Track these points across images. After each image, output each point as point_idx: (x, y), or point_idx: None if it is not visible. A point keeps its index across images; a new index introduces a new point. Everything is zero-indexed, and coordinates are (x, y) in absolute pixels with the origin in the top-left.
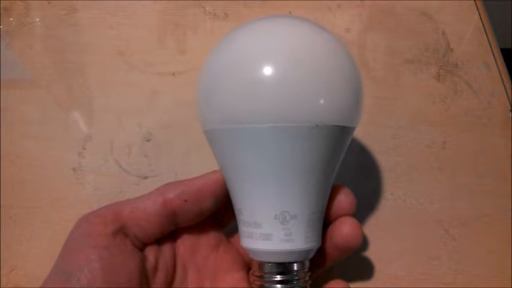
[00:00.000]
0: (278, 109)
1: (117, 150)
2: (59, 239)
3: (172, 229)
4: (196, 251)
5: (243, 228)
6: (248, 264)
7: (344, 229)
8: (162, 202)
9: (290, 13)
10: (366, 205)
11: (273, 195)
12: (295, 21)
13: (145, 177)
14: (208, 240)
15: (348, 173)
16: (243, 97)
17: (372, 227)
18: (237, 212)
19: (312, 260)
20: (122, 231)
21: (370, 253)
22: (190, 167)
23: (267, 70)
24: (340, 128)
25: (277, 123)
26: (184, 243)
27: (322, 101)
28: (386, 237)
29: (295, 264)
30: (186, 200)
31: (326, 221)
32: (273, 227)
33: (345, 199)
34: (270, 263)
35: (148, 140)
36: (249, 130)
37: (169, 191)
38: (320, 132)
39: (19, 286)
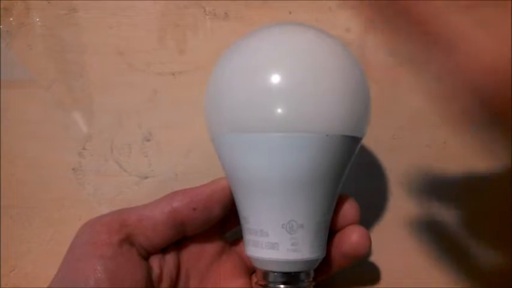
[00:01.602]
0: (289, 118)
1: (117, 150)
2: (59, 239)
3: (179, 238)
4: (200, 258)
5: (248, 237)
6: (250, 270)
7: (353, 237)
8: (170, 211)
9: (290, 13)
10: (366, 205)
11: (280, 204)
12: (305, 30)
13: (145, 177)
14: (212, 247)
15: (348, 174)
16: (253, 105)
17: (372, 227)
18: (242, 220)
19: (317, 268)
20: (127, 240)
21: (370, 253)
22: (190, 167)
23: (280, 79)
24: (350, 138)
25: (288, 133)
26: (190, 251)
27: (333, 111)
28: (386, 237)
29: (300, 274)
30: (194, 209)
31: (331, 231)
32: (280, 236)
33: (350, 209)
34: (275, 272)
35: (148, 140)
36: (258, 139)
37: (177, 199)
38: (330, 142)
39: (19, 286)
